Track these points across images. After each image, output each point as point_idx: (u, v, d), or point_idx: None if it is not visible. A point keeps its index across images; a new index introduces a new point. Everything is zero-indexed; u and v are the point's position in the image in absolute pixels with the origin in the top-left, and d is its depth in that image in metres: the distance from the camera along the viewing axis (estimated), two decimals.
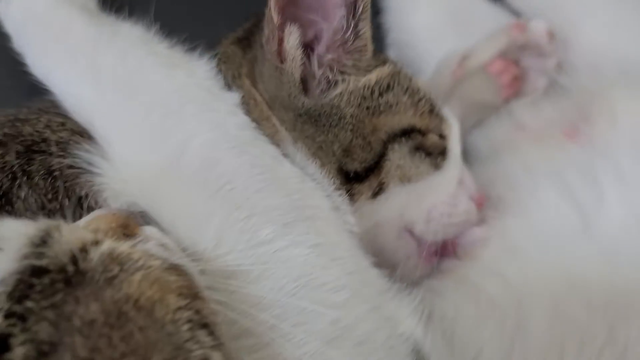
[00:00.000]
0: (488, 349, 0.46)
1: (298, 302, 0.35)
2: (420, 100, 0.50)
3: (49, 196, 0.41)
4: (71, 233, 0.30)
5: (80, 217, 0.38)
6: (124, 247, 0.30)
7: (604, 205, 0.52)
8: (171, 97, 0.43)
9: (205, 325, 0.28)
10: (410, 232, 0.51)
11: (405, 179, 0.47)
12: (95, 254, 0.29)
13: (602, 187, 0.53)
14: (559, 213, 0.53)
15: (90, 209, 0.40)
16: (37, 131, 0.44)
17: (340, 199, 0.45)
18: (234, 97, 0.45)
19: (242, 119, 0.44)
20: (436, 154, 0.50)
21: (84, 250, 0.29)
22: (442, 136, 0.51)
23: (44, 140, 0.43)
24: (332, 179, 0.45)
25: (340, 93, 0.46)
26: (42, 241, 0.29)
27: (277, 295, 0.35)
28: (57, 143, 0.42)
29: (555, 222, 0.53)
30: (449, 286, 0.51)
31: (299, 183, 0.42)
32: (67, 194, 0.41)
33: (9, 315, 0.26)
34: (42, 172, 0.41)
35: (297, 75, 0.45)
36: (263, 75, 0.47)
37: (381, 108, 0.47)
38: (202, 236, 0.38)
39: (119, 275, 0.28)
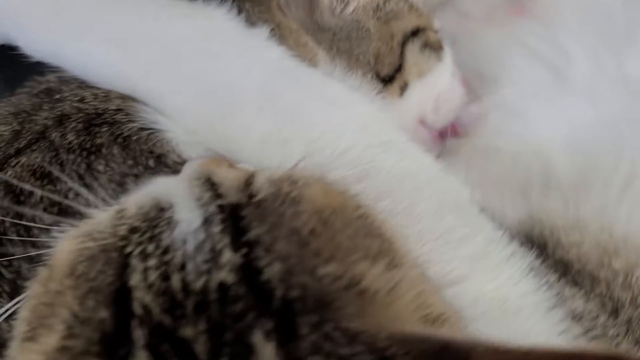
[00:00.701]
0: None
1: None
2: (412, 3, 0.55)
3: (130, 162, 0.43)
4: (222, 175, 0.34)
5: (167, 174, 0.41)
6: (276, 172, 0.34)
7: (572, 61, 0.60)
8: (205, 44, 0.45)
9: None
10: (423, 123, 0.58)
11: (421, 74, 0.53)
12: (259, 184, 0.32)
13: (564, 46, 0.62)
14: (537, 76, 0.61)
15: (176, 164, 0.42)
16: (87, 106, 0.45)
17: (383, 101, 0.50)
18: (263, 32, 0.48)
19: (278, 50, 0.47)
20: (437, 48, 0.55)
21: (248, 183, 0.33)
22: (436, 31, 0.57)
23: (102, 112, 0.44)
24: (374, 85, 0.50)
25: (354, 9, 0.51)
26: (211, 184, 0.32)
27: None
28: (117, 111, 0.44)
29: (537, 83, 0.61)
30: (466, 157, 0.58)
31: (348, 95, 0.46)
32: (148, 155, 0.43)
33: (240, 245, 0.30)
34: (115, 141, 0.43)
35: None
36: (290, 5, 0.50)
37: (389, 15, 0.52)
38: (287, 162, 0.42)
39: (297, 192, 0.32)
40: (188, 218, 0.32)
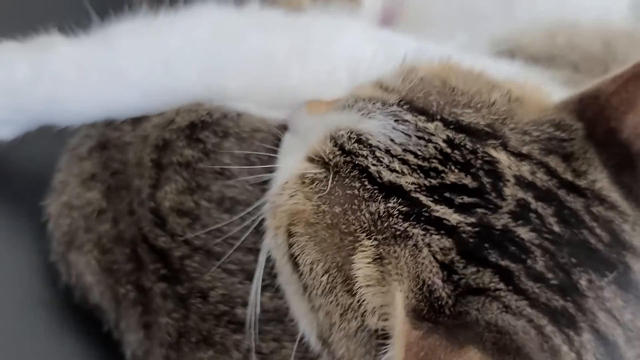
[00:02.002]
0: None
1: None
2: None
3: (244, 145, 0.50)
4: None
5: None
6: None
7: None
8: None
9: None
10: None
11: None
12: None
13: None
14: None
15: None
16: (178, 124, 0.51)
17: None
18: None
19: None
20: None
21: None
22: None
23: (194, 121, 0.50)
24: None
25: None
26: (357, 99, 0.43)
27: None
28: (207, 114, 0.51)
29: None
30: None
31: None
32: (254, 132, 0.50)
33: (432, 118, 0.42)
34: (224, 136, 0.50)
35: None
36: None
37: None
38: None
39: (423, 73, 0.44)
40: (380, 124, 0.42)
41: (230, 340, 0.44)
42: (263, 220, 0.46)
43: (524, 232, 0.39)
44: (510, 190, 0.40)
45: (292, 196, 0.44)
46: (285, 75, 0.55)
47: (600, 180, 0.42)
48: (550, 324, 0.37)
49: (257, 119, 0.52)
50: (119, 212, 0.51)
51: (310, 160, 0.44)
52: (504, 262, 0.38)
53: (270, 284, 0.45)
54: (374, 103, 0.44)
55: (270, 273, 0.45)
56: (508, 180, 0.40)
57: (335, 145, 0.43)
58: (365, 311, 0.39)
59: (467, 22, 0.71)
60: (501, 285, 0.38)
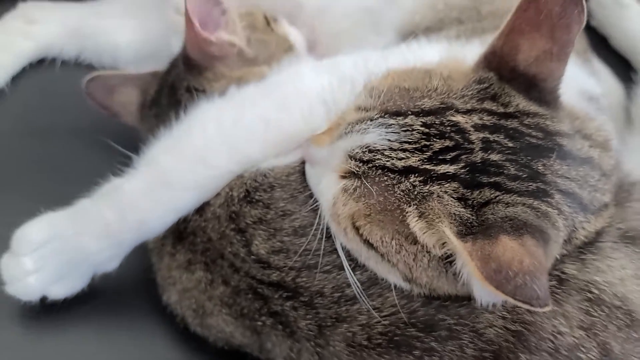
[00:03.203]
0: None
1: None
2: None
3: (289, 192, 0.69)
4: None
5: None
6: None
7: None
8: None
9: None
10: None
11: None
12: None
13: None
14: None
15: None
16: (238, 192, 0.70)
17: None
18: None
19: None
20: None
21: None
22: None
23: (250, 188, 0.69)
24: None
25: None
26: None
27: None
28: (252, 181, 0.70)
29: None
30: None
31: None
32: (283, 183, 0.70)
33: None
34: (267, 191, 0.69)
35: None
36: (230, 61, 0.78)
37: None
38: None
39: None
40: (376, 134, 0.62)
41: (353, 310, 0.64)
42: (328, 229, 0.66)
43: (494, 156, 0.60)
44: (474, 136, 0.61)
45: (344, 205, 0.63)
46: (282, 127, 0.74)
47: (520, 102, 0.64)
48: (535, 200, 0.59)
49: (283, 167, 0.71)
50: (225, 275, 0.70)
51: (343, 177, 0.64)
52: (492, 179, 0.59)
53: (356, 264, 0.65)
54: (364, 122, 0.64)
55: (352, 258, 0.65)
56: (469, 131, 0.61)
57: (356, 160, 0.63)
58: (429, 248, 0.60)
59: (372, 27, 0.90)
60: (497, 193, 0.59)
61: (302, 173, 0.71)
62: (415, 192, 0.59)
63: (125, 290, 0.78)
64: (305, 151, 0.71)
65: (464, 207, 0.59)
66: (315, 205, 0.68)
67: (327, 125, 0.71)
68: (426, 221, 0.59)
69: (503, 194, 0.59)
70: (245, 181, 0.70)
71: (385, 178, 0.61)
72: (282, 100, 0.75)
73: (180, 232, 0.74)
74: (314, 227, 0.67)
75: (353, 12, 0.92)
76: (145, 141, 0.81)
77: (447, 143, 0.61)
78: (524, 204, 0.59)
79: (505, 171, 0.60)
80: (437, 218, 0.59)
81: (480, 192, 0.59)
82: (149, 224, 0.70)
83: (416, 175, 0.60)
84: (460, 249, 0.56)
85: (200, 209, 0.72)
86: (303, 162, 0.71)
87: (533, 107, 0.64)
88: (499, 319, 0.60)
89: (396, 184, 0.60)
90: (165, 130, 0.73)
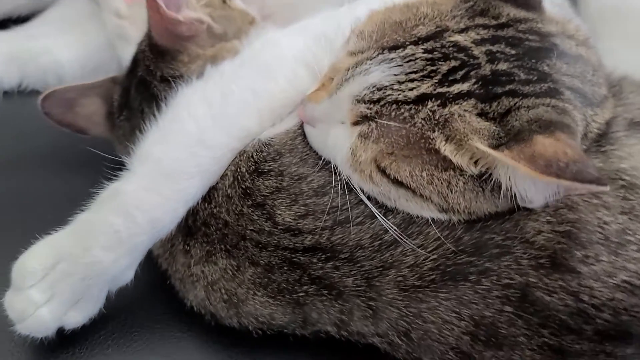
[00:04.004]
0: None
1: None
2: None
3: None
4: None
5: None
6: None
7: None
8: None
9: None
10: None
11: None
12: None
13: None
14: None
15: None
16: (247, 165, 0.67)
17: None
18: None
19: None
20: None
21: None
22: None
23: (253, 163, 0.66)
24: None
25: None
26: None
27: None
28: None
29: None
30: None
31: None
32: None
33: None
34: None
35: None
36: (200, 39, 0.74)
37: None
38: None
39: None
40: (380, 71, 0.60)
41: (398, 254, 0.62)
42: (348, 183, 0.64)
43: (502, 66, 0.60)
44: (477, 51, 0.61)
45: (365, 150, 0.61)
46: (271, 94, 0.71)
47: (510, 11, 0.64)
48: (551, 99, 0.60)
49: (284, 133, 0.68)
50: (252, 256, 0.66)
51: (356, 123, 0.62)
52: (506, 88, 0.59)
53: (387, 210, 0.63)
54: (363, 63, 0.62)
55: (380, 205, 0.63)
56: (471, 47, 0.61)
57: (366, 102, 0.61)
58: (463, 170, 0.59)
59: None
60: (515, 100, 0.59)
61: (303, 134, 0.68)
62: (437, 117, 0.58)
63: (142, 307, 0.73)
64: (302, 113, 0.68)
65: (487, 121, 0.58)
66: (325, 163, 0.66)
67: (316, 84, 0.70)
68: (454, 142, 0.58)
69: (521, 99, 0.59)
70: (250, 155, 0.67)
71: (402, 111, 0.59)
72: (264, 68, 0.72)
73: (189, 227, 0.69)
74: (333, 184, 0.65)
75: None
76: (121, 150, 0.77)
77: (453, 63, 0.60)
78: (543, 104, 0.59)
79: (516, 78, 0.60)
80: (464, 137, 0.58)
81: (498, 102, 0.59)
82: (162, 221, 0.65)
83: (432, 100, 0.59)
84: (502, 158, 0.55)
85: (208, 196, 0.68)
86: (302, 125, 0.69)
87: (522, 14, 0.64)
88: (545, 225, 0.59)
89: (414, 114, 0.59)
90: (150, 125, 0.69)
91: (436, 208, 0.62)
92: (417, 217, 0.63)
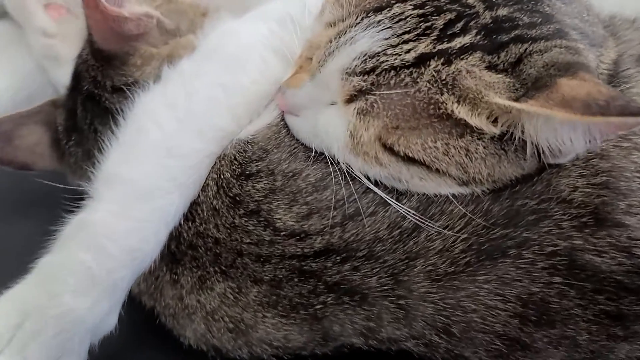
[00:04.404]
0: None
1: None
2: None
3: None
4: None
5: None
6: None
7: None
8: None
9: None
10: None
11: None
12: None
13: None
14: None
15: None
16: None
17: None
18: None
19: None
20: None
21: None
22: None
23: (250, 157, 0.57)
24: None
25: None
26: None
27: None
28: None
29: None
30: None
31: None
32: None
33: None
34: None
35: None
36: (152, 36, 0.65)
37: None
38: None
39: None
40: (368, 36, 0.53)
41: (422, 241, 0.54)
42: (347, 171, 0.56)
43: (502, 11, 0.53)
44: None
45: (366, 129, 0.54)
46: (242, 87, 0.62)
47: None
48: (561, 40, 0.53)
49: (266, 127, 0.60)
50: (253, 273, 0.56)
51: (350, 100, 0.54)
52: (512, 34, 0.53)
53: (399, 194, 0.55)
54: (346, 32, 0.54)
55: (390, 190, 0.56)
56: None
57: (358, 74, 0.53)
58: (481, 132, 0.52)
59: None
60: (524, 45, 0.52)
61: (285, 127, 0.60)
62: (443, 77, 0.51)
63: (131, 355, 0.62)
64: (282, 102, 0.60)
65: (498, 73, 0.51)
66: (319, 154, 0.58)
67: (291, 68, 0.62)
68: (468, 102, 0.51)
69: (530, 44, 0.52)
70: (232, 157, 0.58)
71: (402, 77, 0.52)
72: (229, 61, 0.64)
73: (173, 253, 0.59)
74: (333, 175, 0.56)
75: None
76: (76, 179, 0.66)
77: (449, 16, 0.53)
78: (555, 46, 0.52)
79: (519, 22, 0.53)
80: (478, 94, 0.51)
81: (507, 52, 0.52)
82: (141, 250, 0.55)
83: (435, 59, 0.52)
84: (531, 109, 0.48)
85: (190, 213, 0.58)
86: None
87: None
88: (579, 179, 0.53)
89: (417, 78, 0.52)
90: (109, 143, 0.59)
91: (455, 182, 0.54)
92: (435, 195, 0.56)
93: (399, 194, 0.56)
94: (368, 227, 0.54)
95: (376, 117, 0.53)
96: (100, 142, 0.60)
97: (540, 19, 0.54)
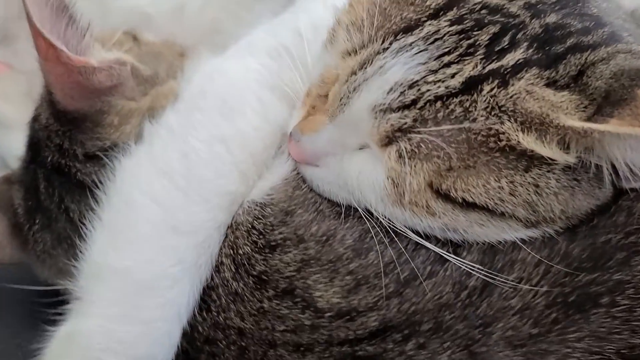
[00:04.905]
0: None
1: None
2: None
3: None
4: None
5: None
6: None
7: None
8: None
9: None
10: None
11: None
12: None
13: None
14: None
15: None
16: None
17: None
18: None
19: None
20: None
21: None
22: None
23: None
24: None
25: None
26: None
27: None
28: None
29: None
30: None
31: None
32: None
33: None
34: None
35: None
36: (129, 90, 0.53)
37: None
38: None
39: None
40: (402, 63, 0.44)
41: (496, 300, 0.44)
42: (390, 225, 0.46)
43: (551, 19, 0.46)
44: (514, 7, 0.46)
45: (412, 174, 0.44)
46: (244, 136, 0.52)
47: None
48: (619, 44, 0.45)
49: (282, 183, 0.49)
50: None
51: (387, 143, 0.45)
52: (567, 44, 0.45)
53: (456, 246, 0.46)
54: (372, 61, 0.45)
55: (443, 242, 0.46)
56: (504, 5, 0.46)
57: (395, 110, 0.44)
58: (551, 164, 0.43)
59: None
60: (584, 55, 0.44)
61: (303, 181, 0.50)
62: (501, 103, 0.43)
63: None
64: (296, 152, 0.50)
65: (560, 90, 0.43)
66: (351, 209, 0.48)
67: (301, 108, 0.52)
68: (535, 129, 0.43)
69: (590, 52, 0.44)
70: (249, 226, 0.47)
71: (452, 108, 0.43)
72: (222, 107, 0.53)
73: (185, 352, 0.48)
74: (372, 233, 0.47)
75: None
76: (48, 273, 0.54)
77: (493, 29, 0.45)
78: (617, 52, 0.45)
79: (572, 28, 0.46)
80: (546, 118, 0.43)
81: (565, 64, 0.44)
82: (152, 357, 0.44)
83: (487, 82, 0.43)
84: (619, 129, 0.40)
85: (203, 302, 0.48)
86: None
87: None
88: None
89: (470, 107, 0.43)
90: (89, 225, 0.48)
91: (522, 224, 0.46)
92: (499, 243, 0.47)
93: (455, 246, 0.47)
94: (429, 291, 0.45)
95: (425, 159, 0.44)
96: (77, 224, 0.49)
97: (592, 23, 0.46)
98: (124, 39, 0.55)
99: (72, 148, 0.51)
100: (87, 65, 0.47)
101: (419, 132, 0.44)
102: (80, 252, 0.47)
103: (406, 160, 0.44)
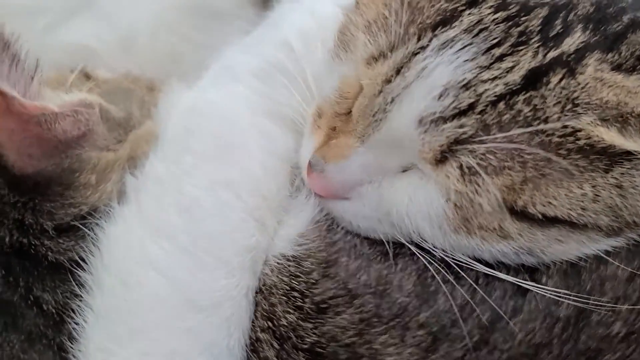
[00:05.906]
0: None
1: None
2: None
3: None
4: None
5: None
6: None
7: None
8: None
9: None
10: None
11: None
12: None
13: None
14: None
15: None
16: None
17: None
18: None
19: None
20: None
21: None
22: None
23: None
24: None
25: None
26: None
27: None
28: None
29: None
30: None
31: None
32: None
33: None
34: None
35: None
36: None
37: None
38: None
39: None
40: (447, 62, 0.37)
41: (594, 328, 0.36)
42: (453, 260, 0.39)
43: None
44: None
45: (481, 193, 0.37)
46: (252, 175, 0.43)
47: None
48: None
49: (312, 228, 0.40)
50: None
51: (443, 159, 0.37)
52: (624, 20, 0.39)
53: (530, 271, 0.39)
54: (409, 62, 0.38)
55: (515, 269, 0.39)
56: None
57: (447, 119, 0.37)
58: (635, 158, 0.37)
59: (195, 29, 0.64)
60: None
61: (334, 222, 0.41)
62: (575, 95, 0.36)
63: None
64: (319, 184, 0.41)
65: (629, 73, 0.37)
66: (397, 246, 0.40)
67: (314, 132, 0.44)
68: (615, 121, 0.37)
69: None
70: (286, 288, 0.38)
71: (517, 108, 0.36)
72: (216, 144, 0.44)
73: None
74: (433, 271, 0.39)
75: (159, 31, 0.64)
76: None
77: (542, 12, 0.39)
78: None
79: (623, 3, 0.40)
80: (624, 107, 0.37)
81: (627, 44, 0.38)
82: None
83: (553, 74, 0.37)
84: None
85: None
86: None
87: None
88: None
89: (539, 105, 0.36)
90: (80, 318, 0.37)
91: (603, 233, 0.39)
92: (580, 259, 0.40)
93: (530, 272, 0.40)
94: (519, 332, 0.37)
95: (494, 173, 0.37)
96: (54, 318, 0.38)
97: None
98: (78, 79, 0.45)
99: (37, 222, 0.39)
100: (47, 112, 0.36)
101: (482, 142, 0.37)
102: (70, 354, 0.36)
103: (471, 177, 0.37)
